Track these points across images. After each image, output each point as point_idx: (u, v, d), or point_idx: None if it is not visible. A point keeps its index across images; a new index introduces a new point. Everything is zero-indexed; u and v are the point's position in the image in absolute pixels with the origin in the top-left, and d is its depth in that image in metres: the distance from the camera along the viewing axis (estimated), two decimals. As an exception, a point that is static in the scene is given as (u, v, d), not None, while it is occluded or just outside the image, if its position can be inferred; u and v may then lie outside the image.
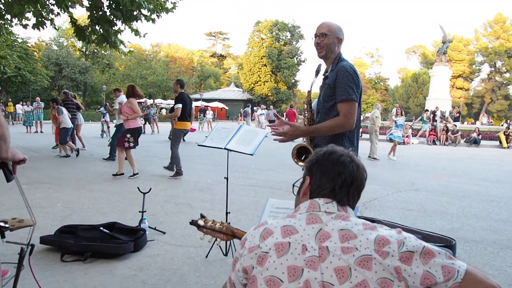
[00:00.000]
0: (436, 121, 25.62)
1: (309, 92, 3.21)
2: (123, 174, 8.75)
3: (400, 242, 1.33)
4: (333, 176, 1.53)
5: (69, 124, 12.25)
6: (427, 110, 27.30)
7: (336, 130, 2.99)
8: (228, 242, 4.25)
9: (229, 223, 2.50)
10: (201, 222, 2.32)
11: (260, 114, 27.77)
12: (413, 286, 1.29)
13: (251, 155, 4.22)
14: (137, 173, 8.72)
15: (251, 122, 31.24)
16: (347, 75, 2.97)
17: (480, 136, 25.37)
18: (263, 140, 4.33)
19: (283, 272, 1.36)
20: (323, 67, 3.25)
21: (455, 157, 16.64)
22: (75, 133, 13.96)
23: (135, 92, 8.85)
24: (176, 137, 9.09)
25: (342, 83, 2.97)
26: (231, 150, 4.32)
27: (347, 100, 2.95)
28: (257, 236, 1.48)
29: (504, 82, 62.48)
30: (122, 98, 10.81)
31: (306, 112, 3.21)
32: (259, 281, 1.39)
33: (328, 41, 3.08)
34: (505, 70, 62.37)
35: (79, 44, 57.50)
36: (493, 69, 64.02)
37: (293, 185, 1.83)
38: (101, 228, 4.44)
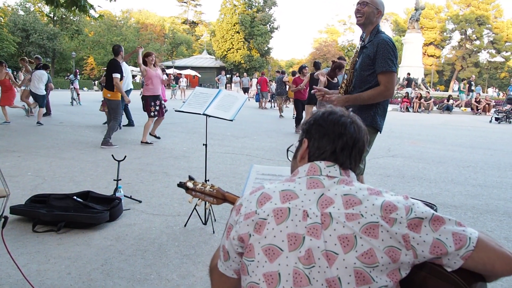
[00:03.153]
0: (472, 91, 26.88)
1: (355, 56, 3.51)
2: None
3: (408, 208, 1.24)
4: (333, 137, 1.41)
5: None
6: (464, 79, 27.87)
7: (376, 99, 3.32)
8: (207, 211, 4.14)
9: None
10: (190, 185, 2.17)
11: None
12: (421, 255, 1.21)
13: (231, 120, 4.08)
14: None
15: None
16: (388, 48, 3.24)
17: (453, 102, 25.76)
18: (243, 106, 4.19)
19: (283, 240, 1.25)
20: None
21: (429, 124, 16.85)
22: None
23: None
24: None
25: (382, 55, 3.22)
26: (210, 116, 4.16)
27: (387, 72, 3.23)
28: (253, 202, 1.36)
29: (474, 49, 63.75)
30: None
31: (346, 75, 3.61)
32: (256, 250, 1.28)
33: (368, 9, 3.31)
34: (475, 38, 63.66)
35: (46, 9, 55.68)
36: (463, 36, 65.02)
37: (287, 150, 1.70)
38: (75, 197, 4.27)
